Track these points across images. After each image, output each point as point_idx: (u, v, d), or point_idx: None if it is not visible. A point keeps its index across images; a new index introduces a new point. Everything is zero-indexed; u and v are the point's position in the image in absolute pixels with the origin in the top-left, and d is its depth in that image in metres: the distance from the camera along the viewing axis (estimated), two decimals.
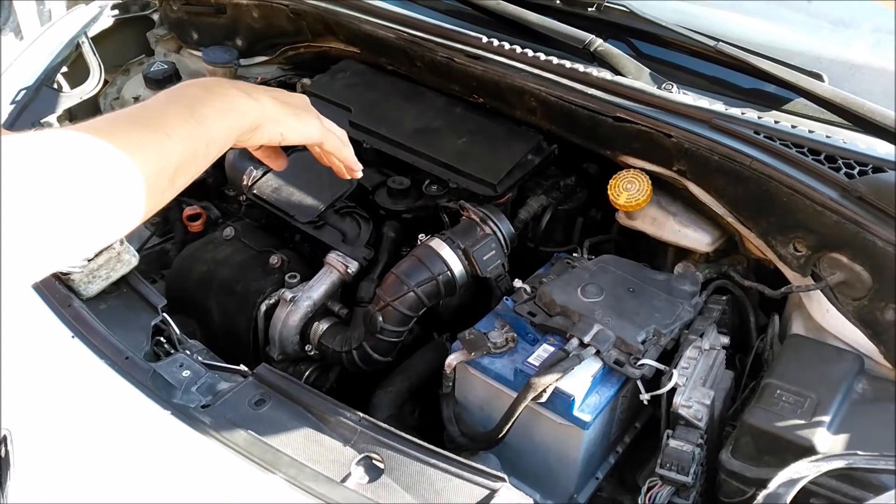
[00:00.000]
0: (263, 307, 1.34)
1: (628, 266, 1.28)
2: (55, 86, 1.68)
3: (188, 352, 1.12)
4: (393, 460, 0.91)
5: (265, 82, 1.78)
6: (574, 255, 1.39)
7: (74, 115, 1.84)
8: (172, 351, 1.12)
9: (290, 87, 1.80)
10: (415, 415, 1.33)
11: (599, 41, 1.43)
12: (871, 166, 1.12)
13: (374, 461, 0.91)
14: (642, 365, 1.10)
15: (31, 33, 3.41)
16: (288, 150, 1.52)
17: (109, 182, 0.64)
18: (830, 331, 1.15)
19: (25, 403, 1.01)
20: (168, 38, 2.05)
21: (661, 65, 1.44)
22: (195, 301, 1.40)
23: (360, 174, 1.05)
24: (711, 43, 1.39)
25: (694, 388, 1.08)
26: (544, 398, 1.07)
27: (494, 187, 1.37)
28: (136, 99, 1.86)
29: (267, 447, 0.94)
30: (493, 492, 0.86)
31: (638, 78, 1.36)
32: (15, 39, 3.68)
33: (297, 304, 1.31)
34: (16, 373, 1.03)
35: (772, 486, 0.86)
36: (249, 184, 1.47)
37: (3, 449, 0.95)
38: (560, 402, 1.07)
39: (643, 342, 1.12)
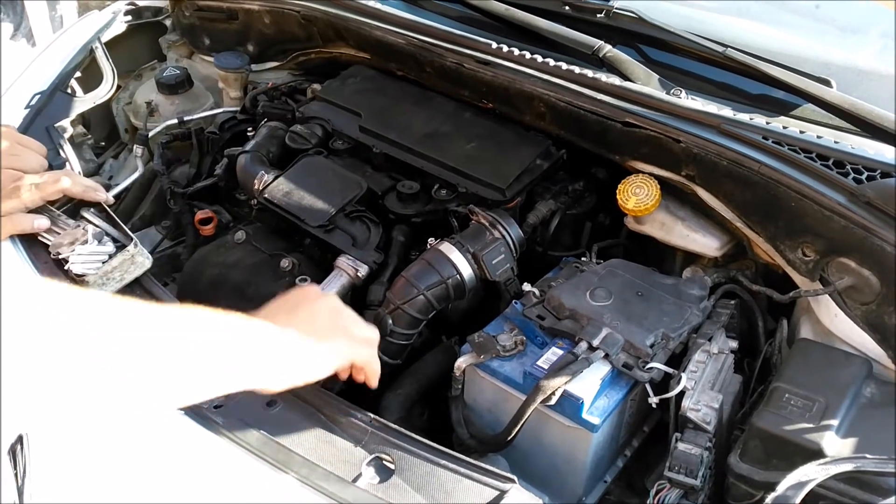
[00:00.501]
0: None
1: (637, 270, 1.29)
2: (69, 90, 1.70)
3: None
4: (403, 461, 0.92)
5: (275, 87, 1.80)
6: (582, 259, 1.39)
7: (87, 120, 1.86)
8: None
9: (301, 92, 1.81)
10: (423, 417, 1.34)
11: (608, 47, 1.45)
12: (879, 171, 1.13)
13: (384, 462, 0.92)
14: (651, 368, 1.11)
15: (43, 39, 3.45)
16: (297, 153, 1.54)
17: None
18: (839, 335, 1.15)
19: (40, 404, 1.02)
20: (180, 44, 2.07)
21: (669, 70, 1.46)
22: (206, 304, 1.41)
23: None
24: (720, 49, 1.40)
25: (702, 391, 1.09)
26: (553, 401, 1.07)
27: (503, 192, 1.38)
28: (149, 104, 1.88)
29: (279, 447, 0.95)
30: (503, 493, 0.87)
31: (647, 83, 1.37)
32: (27, 45, 3.72)
33: None
34: (30, 374, 1.04)
35: (780, 488, 0.87)
36: (260, 188, 1.48)
37: (19, 450, 0.97)
38: (569, 405, 1.08)
39: (652, 346, 1.13)
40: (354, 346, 0.97)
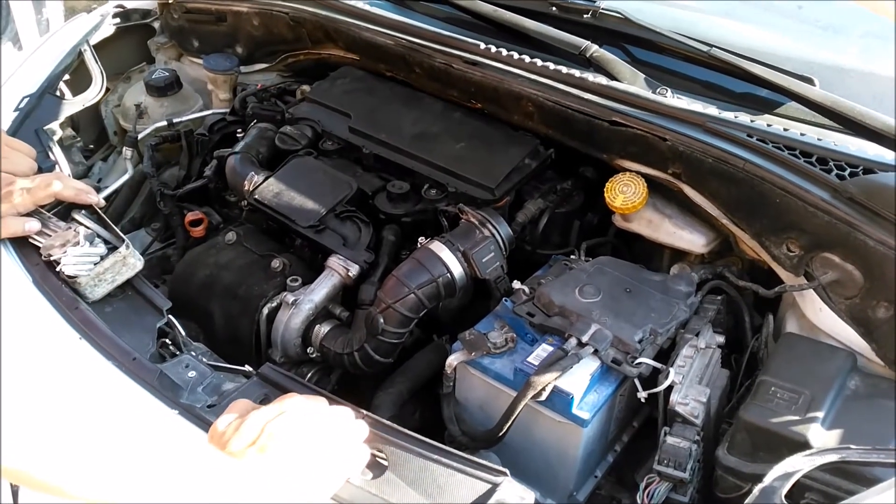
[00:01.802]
0: (266, 310, 1.35)
1: (625, 267, 1.30)
2: (58, 93, 1.70)
3: (193, 353, 1.13)
4: (396, 457, 0.92)
5: (265, 88, 1.80)
6: (571, 257, 1.41)
7: (76, 122, 1.86)
8: (177, 352, 1.14)
9: (291, 93, 1.82)
10: (415, 415, 1.35)
11: (595, 47, 1.46)
12: (861, 168, 1.15)
13: (377, 458, 0.93)
14: (639, 363, 1.12)
15: (29, 43, 3.43)
16: (286, 154, 1.55)
17: None
18: (823, 329, 1.17)
19: (36, 402, 1.02)
20: (169, 46, 2.07)
21: (655, 70, 1.47)
22: (198, 305, 1.42)
23: None
24: (704, 48, 1.42)
25: (690, 385, 1.10)
26: (544, 396, 1.08)
27: (492, 191, 1.39)
28: (138, 106, 1.88)
29: None
30: (495, 486, 0.88)
31: (633, 83, 1.39)
32: (13, 49, 3.69)
33: (299, 308, 1.33)
34: (26, 373, 1.04)
35: (767, 479, 0.88)
36: (251, 189, 1.49)
37: None
38: (559, 401, 1.09)
39: (640, 341, 1.14)
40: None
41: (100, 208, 1.32)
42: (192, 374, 1.07)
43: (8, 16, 3.72)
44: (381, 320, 1.25)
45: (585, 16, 1.57)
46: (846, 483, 0.93)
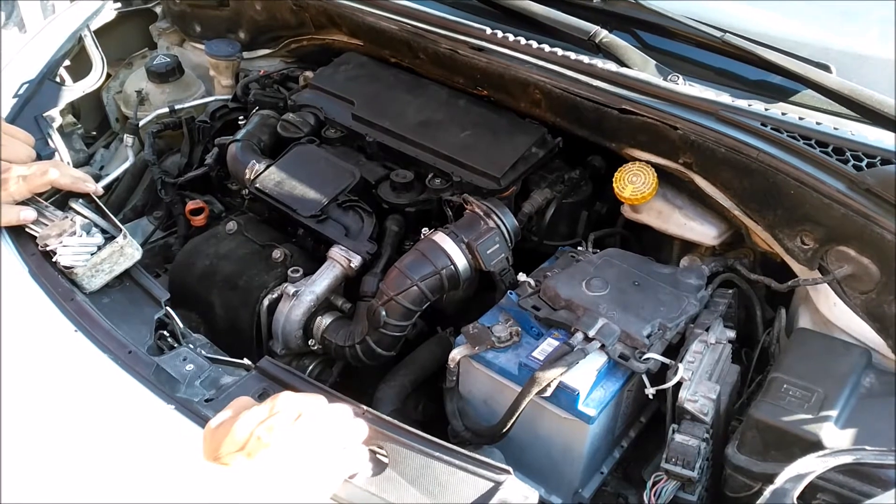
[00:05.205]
0: (266, 301, 1.33)
1: (633, 259, 1.28)
2: (58, 79, 1.68)
3: (191, 346, 1.11)
4: (397, 453, 0.90)
5: (267, 75, 1.77)
6: (579, 248, 1.38)
7: (77, 109, 1.84)
8: (176, 345, 1.12)
9: (294, 80, 1.79)
10: (419, 409, 1.33)
11: (605, 32, 1.42)
12: (879, 158, 1.11)
13: (378, 455, 0.91)
14: (647, 359, 1.09)
15: (34, 27, 3.41)
16: (289, 142, 1.52)
17: None
18: (838, 324, 1.14)
19: (28, 398, 1.00)
20: (171, 32, 2.05)
21: (666, 56, 1.43)
22: (198, 295, 1.40)
23: None
24: (718, 34, 1.38)
25: (700, 382, 1.08)
26: (549, 392, 1.06)
27: (498, 181, 1.36)
28: (139, 93, 1.85)
29: None
30: (498, 484, 0.85)
31: (643, 69, 1.35)
32: (18, 33, 3.67)
33: (300, 299, 1.31)
34: (19, 367, 1.03)
35: (779, 481, 0.85)
36: (252, 177, 1.46)
37: None
38: (564, 397, 1.07)
39: (648, 336, 1.11)
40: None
41: (98, 197, 1.30)
42: (189, 367, 1.06)
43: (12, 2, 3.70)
44: (384, 312, 1.23)
45: (595, 0, 1.53)
46: (860, 484, 0.90)
